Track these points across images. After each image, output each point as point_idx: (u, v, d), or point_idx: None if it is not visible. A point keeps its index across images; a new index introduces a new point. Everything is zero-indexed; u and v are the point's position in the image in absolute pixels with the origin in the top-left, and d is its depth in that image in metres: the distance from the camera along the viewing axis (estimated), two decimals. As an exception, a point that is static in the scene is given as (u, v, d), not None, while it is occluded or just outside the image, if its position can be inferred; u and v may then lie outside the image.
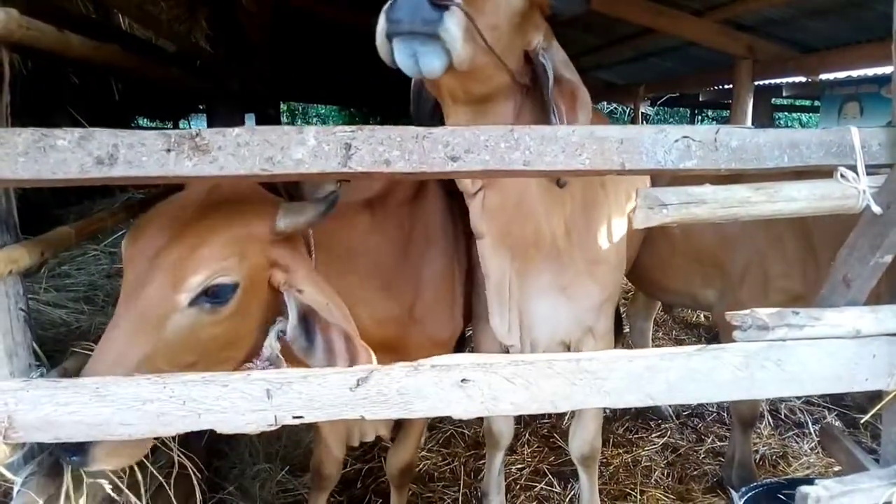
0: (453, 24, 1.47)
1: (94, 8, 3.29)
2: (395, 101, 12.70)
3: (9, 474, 1.41)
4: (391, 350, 2.08)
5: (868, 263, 1.73)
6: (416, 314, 2.23)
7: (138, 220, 1.68)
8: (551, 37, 1.97)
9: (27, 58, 2.60)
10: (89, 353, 1.69)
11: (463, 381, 1.50)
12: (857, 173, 1.65)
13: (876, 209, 1.64)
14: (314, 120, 18.79)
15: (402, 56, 1.52)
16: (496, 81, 1.77)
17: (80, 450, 1.41)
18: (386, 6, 1.48)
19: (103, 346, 1.47)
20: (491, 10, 1.62)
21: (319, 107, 17.59)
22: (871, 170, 1.67)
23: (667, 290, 3.58)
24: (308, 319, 1.69)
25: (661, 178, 2.87)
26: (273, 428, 1.44)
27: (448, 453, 3.55)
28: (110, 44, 2.23)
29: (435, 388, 1.48)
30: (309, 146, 1.42)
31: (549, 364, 1.53)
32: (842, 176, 1.66)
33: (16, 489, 1.46)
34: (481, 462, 3.38)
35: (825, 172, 1.69)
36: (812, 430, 3.72)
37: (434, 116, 2.08)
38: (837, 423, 3.80)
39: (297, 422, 1.45)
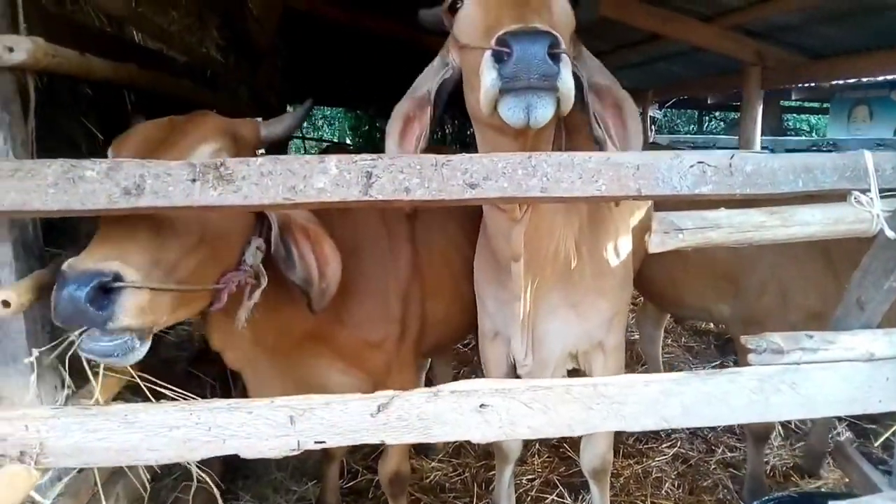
0: (567, 74, 1.45)
1: (108, 21, 3.32)
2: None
3: (39, 497, 1.44)
4: (322, 341, 2.33)
5: (882, 287, 1.74)
6: (344, 317, 2.34)
7: (126, 134, 1.79)
8: (579, 44, 1.92)
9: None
10: (115, 374, 1.74)
11: (481, 406, 1.52)
12: (870, 197, 1.67)
13: (890, 233, 1.65)
14: (321, 122, 18.83)
15: (515, 110, 1.48)
16: None
17: (108, 302, 1.39)
18: (490, 57, 1.44)
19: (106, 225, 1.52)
20: (566, 43, 1.59)
21: (325, 108, 17.63)
22: (886, 194, 1.68)
23: (680, 304, 3.58)
24: (285, 237, 1.90)
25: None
26: (295, 452, 1.47)
27: (459, 464, 3.57)
28: (128, 63, 2.26)
29: (454, 413, 1.50)
30: (331, 175, 1.45)
31: (567, 389, 1.55)
32: (856, 200, 1.68)
33: (44, 511, 1.49)
34: (492, 473, 3.39)
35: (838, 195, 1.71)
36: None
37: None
38: (848, 434, 3.80)
39: (318, 446, 1.47)
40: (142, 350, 1.50)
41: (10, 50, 1.44)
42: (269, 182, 1.41)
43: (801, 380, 1.68)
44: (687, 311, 3.78)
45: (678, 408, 1.64)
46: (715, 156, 1.64)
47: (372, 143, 16.00)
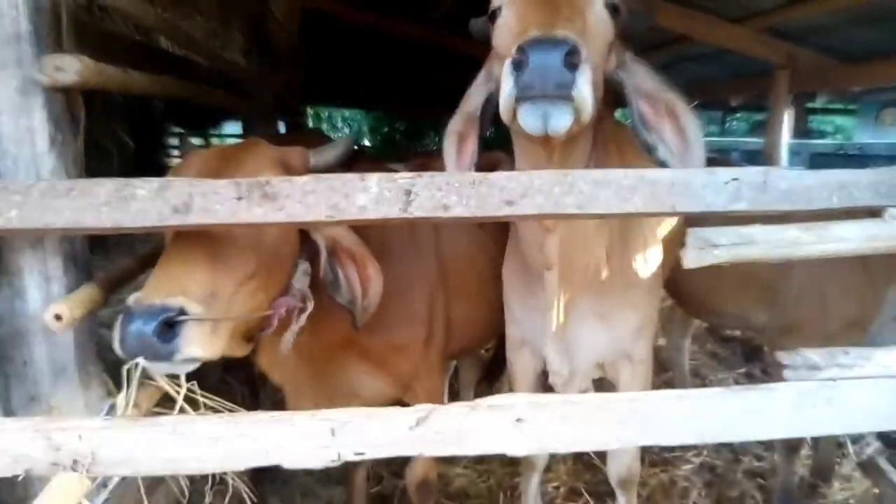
0: (584, 84, 1.44)
1: (136, 28, 3.38)
2: (420, 104, 12.80)
3: (87, 503, 1.48)
4: (351, 348, 2.38)
5: (919, 303, 1.74)
6: (372, 322, 2.28)
7: (185, 159, 1.89)
8: (624, 50, 1.88)
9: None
10: (154, 384, 1.78)
11: (518, 420, 1.54)
12: (907, 214, 1.67)
13: (927, 250, 1.65)
14: (340, 123, 18.93)
15: (531, 119, 1.49)
16: (591, 120, 1.63)
17: (174, 335, 1.44)
18: (509, 64, 1.45)
19: (181, 242, 1.61)
20: (598, 52, 1.60)
21: (345, 110, 17.72)
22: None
23: (718, 313, 3.55)
24: (332, 261, 1.97)
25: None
26: (335, 464, 1.50)
27: (484, 470, 3.59)
28: (164, 75, 2.31)
29: (491, 427, 1.52)
30: (371, 193, 1.48)
31: (603, 405, 1.57)
32: (891, 216, 1.68)
33: (92, 517, 1.54)
34: (517, 479, 3.41)
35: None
36: (852, 451, 3.69)
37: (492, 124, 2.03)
38: (877, 444, 3.75)
39: (358, 458, 1.50)
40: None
41: (62, 70, 1.49)
42: (311, 200, 1.45)
43: (837, 396, 1.67)
44: (725, 320, 3.76)
45: (713, 423, 1.65)
46: (750, 172, 1.64)
47: (391, 143, 16.06)
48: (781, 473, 3.22)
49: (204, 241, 1.61)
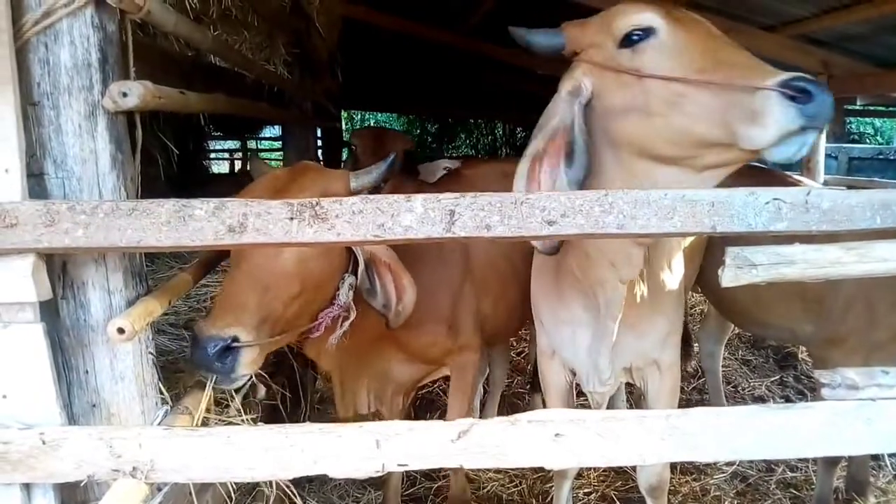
0: None
1: (186, 45, 3.49)
2: (451, 107, 12.84)
3: (144, 507, 1.56)
4: (387, 339, 2.66)
5: (961, 324, 1.73)
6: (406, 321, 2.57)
7: (244, 191, 2.14)
8: None
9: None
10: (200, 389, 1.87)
11: (556, 435, 1.57)
12: (950, 234, 1.66)
13: (969, 271, 1.64)
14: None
15: (795, 147, 1.65)
16: None
17: (229, 359, 1.80)
18: (779, 95, 1.58)
19: (237, 275, 1.93)
20: None
21: (378, 114, 17.88)
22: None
23: (764, 324, 3.52)
24: (369, 271, 2.23)
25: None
26: (379, 474, 1.55)
27: (515, 475, 3.63)
28: (216, 93, 2.39)
29: (530, 441, 1.57)
30: (416, 213, 1.53)
31: (640, 421, 1.59)
32: (935, 236, 1.67)
33: (148, 519, 1.62)
34: (549, 485, 3.44)
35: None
36: (889, 464, 3.65)
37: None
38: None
39: (401, 469, 1.56)
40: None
41: (125, 95, 1.56)
42: (360, 220, 1.50)
43: (876, 415, 1.67)
44: (771, 331, 3.72)
45: (750, 440, 1.66)
46: (791, 192, 1.65)
47: (423, 146, 16.14)
48: (819, 485, 3.20)
49: (255, 270, 1.92)
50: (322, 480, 3.43)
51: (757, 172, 3.48)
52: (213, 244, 1.47)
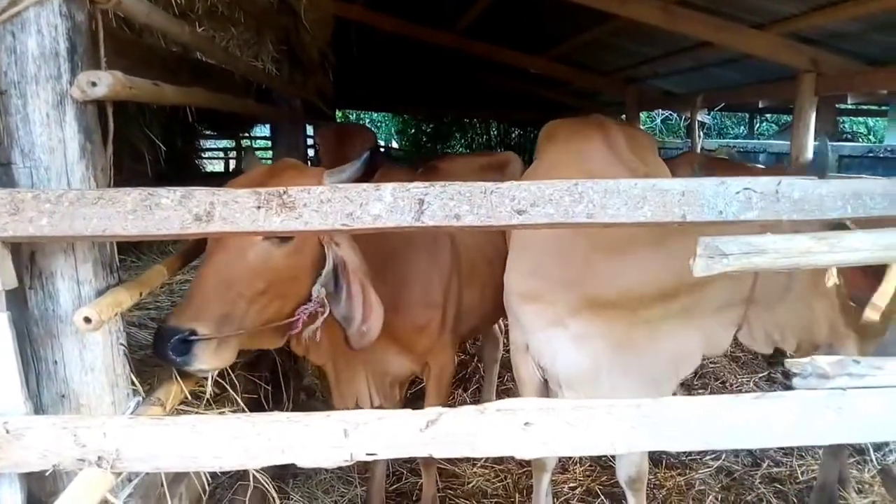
0: None
1: (173, 42, 3.48)
2: (446, 107, 12.84)
3: (112, 498, 1.55)
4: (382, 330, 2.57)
5: (933, 313, 1.73)
6: (399, 304, 2.70)
7: (238, 178, 2.20)
8: None
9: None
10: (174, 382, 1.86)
11: (526, 424, 1.57)
12: (922, 224, 1.66)
13: (941, 261, 1.64)
14: (368, 126, 19.13)
15: None
16: None
17: (185, 351, 1.80)
18: None
19: (203, 272, 1.95)
20: None
21: (373, 113, 17.89)
22: (938, 220, 1.67)
23: None
24: (338, 272, 2.21)
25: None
26: (348, 463, 1.55)
27: (501, 470, 3.63)
28: (194, 87, 2.39)
29: (499, 430, 1.56)
30: (385, 202, 1.53)
31: (609, 410, 1.59)
32: (907, 226, 1.67)
33: (117, 510, 1.61)
34: (533, 480, 3.44)
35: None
36: (874, 458, 3.65)
37: None
38: (899, 454, 3.71)
39: (370, 458, 1.55)
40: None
41: (94, 84, 1.56)
42: (328, 209, 1.50)
43: (847, 405, 1.67)
44: None
45: (722, 429, 1.66)
46: (761, 182, 1.65)
47: (418, 145, 16.16)
48: (822, 474, 3.23)
49: (220, 266, 1.94)
50: (307, 475, 3.43)
51: (729, 165, 3.49)
52: (180, 233, 1.47)
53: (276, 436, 1.49)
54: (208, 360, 1.83)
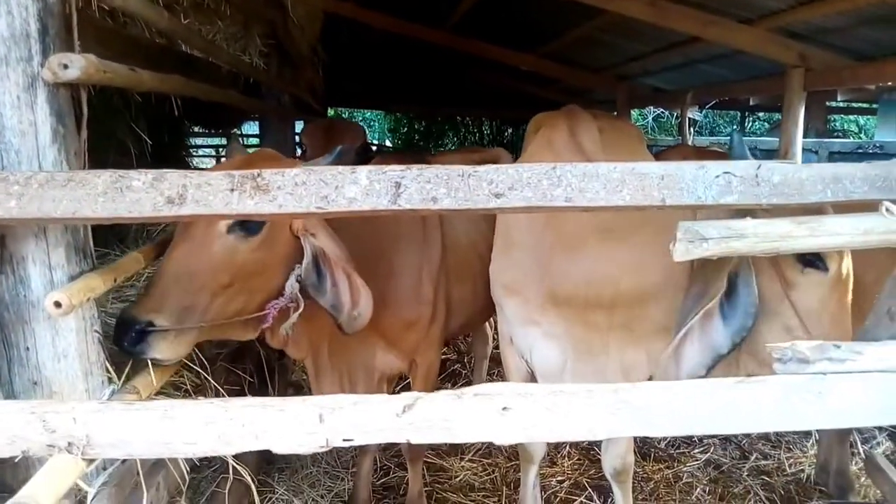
0: None
1: (158, 33, 3.45)
2: (439, 105, 12.83)
3: (84, 485, 1.53)
4: (368, 326, 2.47)
5: (913, 298, 1.72)
6: (388, 299, 2.68)
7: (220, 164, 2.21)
8: None
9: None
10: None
11: (504, 409, 1.56)
12: (902, 208, 1.66)
13: (921, 245, 1.64)
14: (361, 124, 19.11)
15: None
16: None
17: (140, 341, 1.80)
18: None
19: (166, 262, 1.92)
20: None
21: (366, 111, 17.85)
22: (918, 204, 1.66)
23: None
24: (319, 263, 2.13)
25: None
26: (324, 449, 1.53)
27: (489, 463, 3.62)
28: (174, 75, 2.37)
29: (477, 415, 1.54)
30: (361, 185, 1.51)
31: (589, 395, 1.58)
32: (887, 210, 1.67)
33: (90, 498, 1.59)
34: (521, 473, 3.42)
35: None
36: (861, 450, 3.65)
37: None
38: (888, 444, 3.71)
39: (346, 444, 1.53)
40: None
41: (65, 67, 1.54)
42: (302, 192, 1.48)
43: (827, 389, 1.67)
44: None
45: (702, 415, 1.65)
46: (741, 166, 1.65)
47: (410, 144, 16.12)
48: (836, 459, 3.26)
49: (183, 259, 1.92)
50: (293, 469, 3.41)
51: (719, 156, 3.51)
52: (152, 216, 1.45)
53: (250, 421, 1.47)
54: (163, 351, 1.83)
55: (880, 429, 3.92)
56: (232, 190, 1.47)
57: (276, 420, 1.48)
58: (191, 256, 1.92)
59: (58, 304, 1.45)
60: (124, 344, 1.80)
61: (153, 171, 1.45)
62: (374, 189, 1.51)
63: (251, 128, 11.14)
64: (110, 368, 1.76)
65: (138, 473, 1.74)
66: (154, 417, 1.44)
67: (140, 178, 1.44)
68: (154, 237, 3.00)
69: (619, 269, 2.30)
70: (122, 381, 1.78)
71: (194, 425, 1.46)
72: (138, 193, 1.43)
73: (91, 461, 1.53)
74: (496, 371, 4.90)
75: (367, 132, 5.41)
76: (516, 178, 1.56)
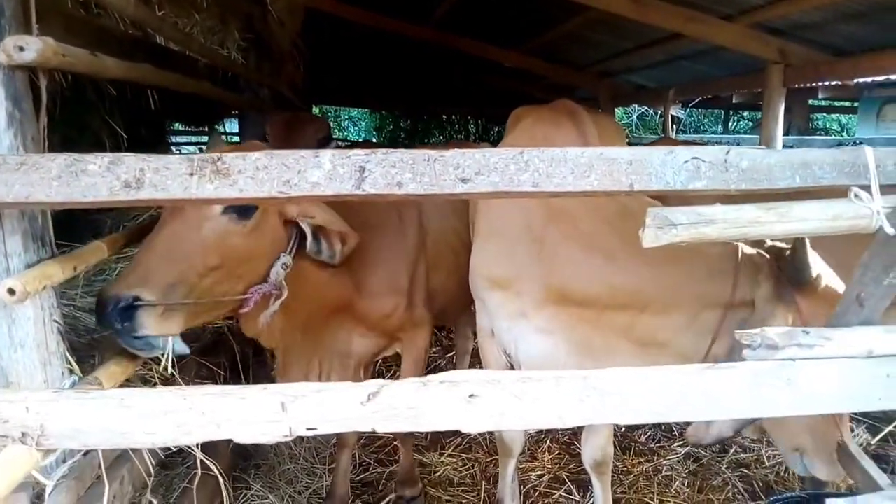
0: None
1: (132, 25, 3.41)
2: (424, 103, 12.80)
3: (41, 478, 1.49)
4: (345, 312, 2.75)
5: (882, 283, 1.72)
6: (362, 289, 2.76)
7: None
8: None
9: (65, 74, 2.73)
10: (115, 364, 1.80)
11: (471, 396, 1.54)
12: (870, 193, 1.65)
13: (889, 230, 1.63)
14: (347, 122, 19.03)
15: None
16: None
17: (129, 318, 1.75)
18: None
19: (154, 240, 1.91)
20: None
21: (351, 110, 17.80)
22: (886, 190, 1.66)
23: None
24: (318, 238, 2.30)
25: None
26: (288, 438, 1.50)
27: (468, 458, 3.60)
28: (143, 63, 2.33)
29: (443, 403, 1.53)
30: (325, 169, 1.48)
31: (557, 382, 1.56)
32: (855, 196, 1.66)
33: (48, 491, 1.55)
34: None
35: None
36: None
37: None
38: (866, 436, 3.73)
39: (310, 433, 1.51)
40: (162, 348, 1.85)
41: (21, 49, 1.50)
42: (264, 176, 1.45)
43: (796, 375, 1.66)
44: None
45: (672, 402, 1.64)
46: (710, 151, 1.64)
47: (396, 142, 16.09)
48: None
49: (173, 237, 1.91)
50: (270, 466, 3.37)
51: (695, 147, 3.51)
52: (108, 200, 1.41)
53: (210, 409, 1.44)
54: (154, 326, 1.77)
55: (858, 421, 3.94)
56: (191, 174, 1.44)
57: (238, 409, 1.45)
58: (181, 235, 1.91)
59: (11, 292, 1.41)
60: (110, 320, 1.74)
61: (109, 154, 1.41)
62: (338, 173, 1.48)
63: (232, 126, 11.05)
64: (71, 359, 1.71)
65: (100, 466, 1.70)
66: (110, 406, 1.40)
67: (96, 162, 1.40)
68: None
69: (646, 270, 2.23)
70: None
71: (153, 414, 1.43)
72: (94, 178, 1.40)
73: (48, 453, 1.50)
74: (479, 366, 4.89)
75: (331, 126, 5.34)
76: (483, 163, 1.54)
